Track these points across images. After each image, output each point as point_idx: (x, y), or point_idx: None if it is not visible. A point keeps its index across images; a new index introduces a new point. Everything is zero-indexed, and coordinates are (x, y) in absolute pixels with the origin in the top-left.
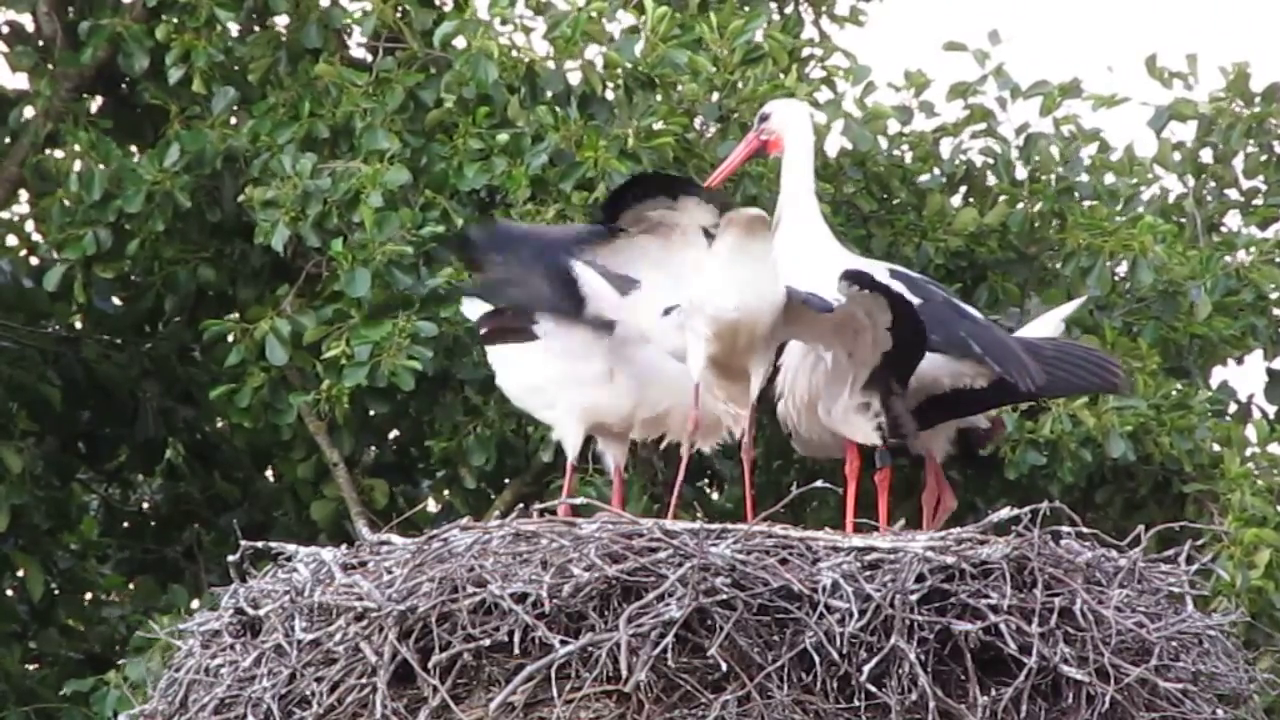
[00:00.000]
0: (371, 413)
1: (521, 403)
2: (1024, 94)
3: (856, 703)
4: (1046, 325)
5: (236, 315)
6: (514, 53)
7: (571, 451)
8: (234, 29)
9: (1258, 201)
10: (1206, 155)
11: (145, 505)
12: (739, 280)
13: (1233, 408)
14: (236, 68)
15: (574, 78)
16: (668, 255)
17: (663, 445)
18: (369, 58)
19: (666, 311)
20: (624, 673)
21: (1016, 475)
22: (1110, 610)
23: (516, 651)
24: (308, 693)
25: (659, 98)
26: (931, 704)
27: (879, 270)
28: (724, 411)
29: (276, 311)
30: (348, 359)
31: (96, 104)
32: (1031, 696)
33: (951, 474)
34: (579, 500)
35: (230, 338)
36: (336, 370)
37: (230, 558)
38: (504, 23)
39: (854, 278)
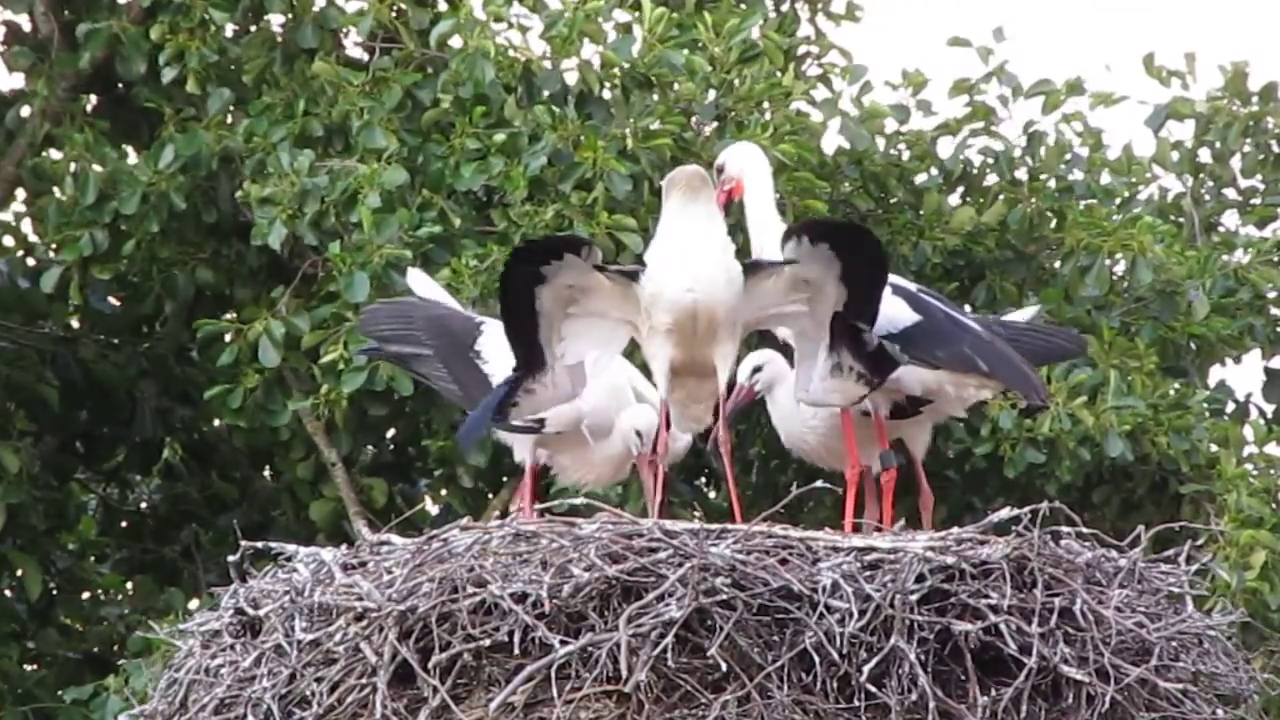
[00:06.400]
0: (369, 413)
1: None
2: (1025, 93)
3: (856, 703)
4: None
5: (233, 315)
6: (510, 52)
7: (528, 458)
8: (229, 30)
9: (1255, 201)
10: (1205, 155)
11: (143, 505)
12: (689, 256)
13: (1230, 407)
14: (232, 68)
15: (570, 77)
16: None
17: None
18: (365, 57)
19: None
20: (624, 673)
21: (1015, 474)
22: (1110, 610)
23: (516, 651)
24: (308, 693)
25: (656, 97)
26: (931, 704)
27: None
28: (687, 415)
29: (272, 312)
30: (346, 363)
31: (92, 104)
32: (1031, 696)
33: (948, 473)
34: (578, 500)
35: (226, 337)
36: (335, 375)
37: (230, 558)
38: (499, 20)
39: (799, 230)
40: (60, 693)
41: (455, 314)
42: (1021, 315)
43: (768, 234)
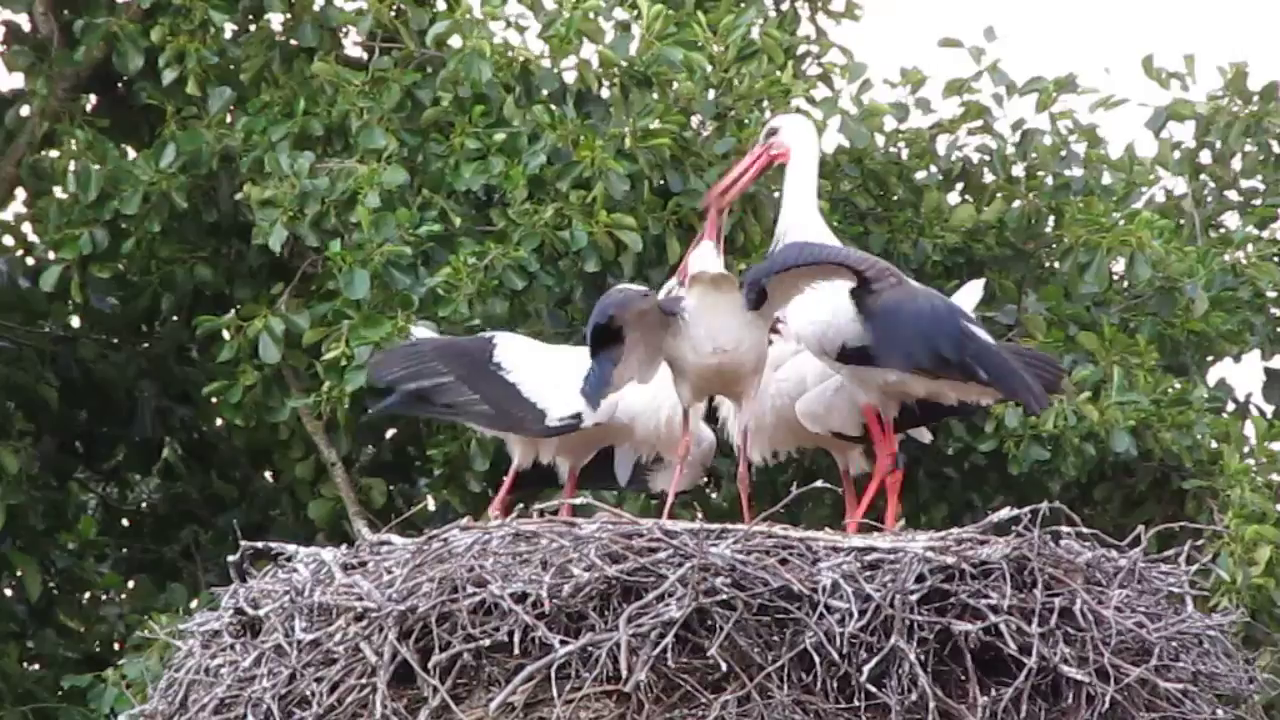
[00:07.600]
0: (370, 411)
1: None
2: (1019, 90)
3: (856, 703)
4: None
5: (233, 313)
6: (509, 51)
7: (519, 461)
8: (228, 30)
9: (1256, 202)
10: (1205, 156)
11: (143, 505)
12: (711, 329)
13: (1230, 406)
14: (232, 67)
15: (569, 76)
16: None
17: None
18: (364, 57)
19: None
20: (624, 673)
21: (1020, 471)
22: (1110, 610)
23: (516, 651)
24: (308, 693)
25: (655, 96)
26: (931, 704)
27: None
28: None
29: (271, 310)
30: (348, 360)
31: (92, 103)
32: (1031, 696)
33: (948, 471)
34: (578, 500)
35: (225, 334)
36: (338, 372)
37: (230, 558)
38: (495, 19)
39: None
40: (60, 681)
41: (461, 338)
42: (968, 296)
43: (799, 213)
